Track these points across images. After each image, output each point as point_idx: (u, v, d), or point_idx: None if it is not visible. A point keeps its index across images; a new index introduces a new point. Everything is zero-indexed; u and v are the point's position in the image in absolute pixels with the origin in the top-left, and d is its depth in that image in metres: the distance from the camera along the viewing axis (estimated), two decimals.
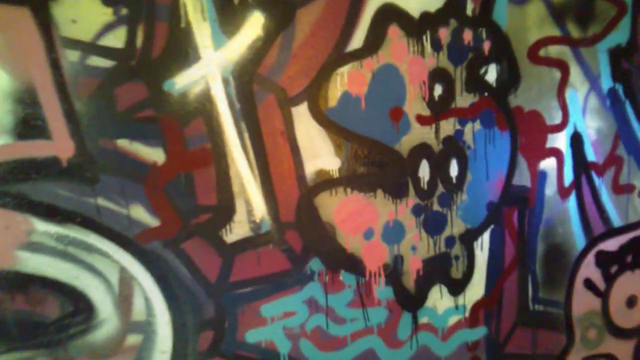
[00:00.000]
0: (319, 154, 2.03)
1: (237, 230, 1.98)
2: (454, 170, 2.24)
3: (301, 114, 1.97)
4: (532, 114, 2.30)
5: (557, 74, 2.30)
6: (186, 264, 1.91)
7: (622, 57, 2.37)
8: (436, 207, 2.25)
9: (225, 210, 1.94)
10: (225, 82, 1.85)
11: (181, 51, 1.77)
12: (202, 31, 1.79)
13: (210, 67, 1.81)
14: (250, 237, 2.00)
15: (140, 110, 1.76)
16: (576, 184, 2.45)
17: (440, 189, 2.24)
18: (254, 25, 1.85)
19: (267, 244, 2.03)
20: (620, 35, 2.36)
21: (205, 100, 1.83)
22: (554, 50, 2.27)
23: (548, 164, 2.38)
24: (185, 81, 1.80)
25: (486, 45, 2.16)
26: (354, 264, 2.16)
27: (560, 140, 2.37)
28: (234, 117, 1.89)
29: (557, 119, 2.35)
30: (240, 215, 1.97)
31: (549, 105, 2.32)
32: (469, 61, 2.15)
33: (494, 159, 2.28)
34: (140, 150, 1.78)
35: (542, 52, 2.25)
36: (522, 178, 2.36)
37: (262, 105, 1.92)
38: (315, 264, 2.10)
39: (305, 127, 1.99)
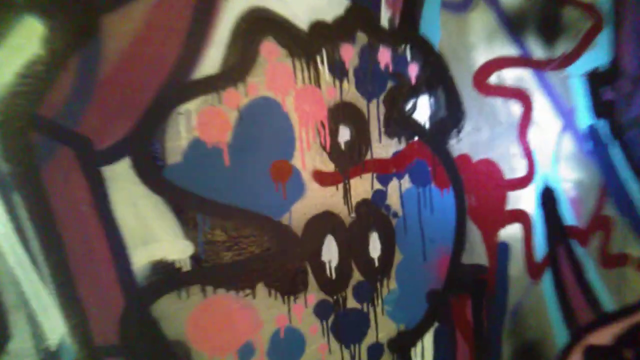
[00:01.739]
0: (156, 236, 1.31)
1: None
2: (375, 248, 1.54)
3: (120, 175, 1.26)
4: (484, 164, 1.64)
5: (515, 109, 1.66)
6: None
7: (602, 84, 1.75)
8: (351, 303, 1.53)
9: None
10: None
11: None
12: None
13: None
14: None
15: None
16: (551, 258, 1.77)
17: (357, 276, 1.53)
18: (28, 38, 1.15)
19: None
20: (598, 55, 1.74)
21: None
22: (509, 76, 1.64)
23: (511, 233, 1.71)
24: None
25: (412, 70, 1.50)
26: None
27: (526, 200, 1.71)
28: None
29: (520, 170, 1.69)
30: (20, 341, 1.22)
31: (507, 152, 1.66)
32: (388, 92, 1.49)
33: (432, 229, 1.60)
34: None
35: (493, 79, 1.61)
36: (475, 254, 1.67)
37: (49, 165, 1.20)
38: None
39: (129, 195, 1.27)
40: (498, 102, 1.62)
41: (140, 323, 1.31)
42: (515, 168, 1.68)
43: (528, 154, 1.68)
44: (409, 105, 1.51)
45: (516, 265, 1.73)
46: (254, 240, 1.40)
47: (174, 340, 1.35)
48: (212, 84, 1.30)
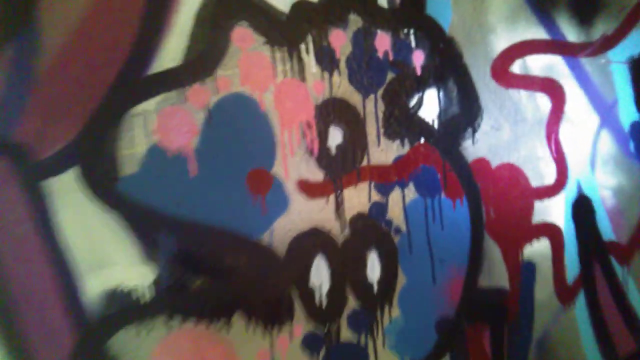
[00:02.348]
0: (111, 259, 1.11)
1: None
2: (373, 270, 1.31)
3: (66, 189, 1.06)
4: (506, 169, 1.39)
5: (544, 103, 1.40)
6: None
7: None
8: (346, 334, 1.31)
9: None
10: None
11: None
12: None
13: None
14: None
15: None
16: (585, 279, 1.51)
17: (353, 303, 1.31)
18: None
19: None
20: None
21: None
22: (537, 64, 1.37)
23: (537, 250, 1.45)
24: None
25: (417, 58, 1.26)
26: None
27: (556, 211, 1.45)
28: None
29: (549, 176, 1.43)
30: None
31: (533, 155, 1.40)
32: (388, 86, 1.25)
33: (443, 247, 1.36)
34: None
35: (516, 68, 1.35)
36: (495, 276, 1.43)
37: None
38: None
39: (78, 212, 1.07)
40: (522, 95, 1.36)
41: None
42: (543, 173, 1.42)
43: (559, 157, 1.42)
44: (413, 101, 1.27)
45: (543, 288, 1.47)
46: (228, 264, 1.19)
47: None
48: (173, 80, 1.09)
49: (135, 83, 1.07)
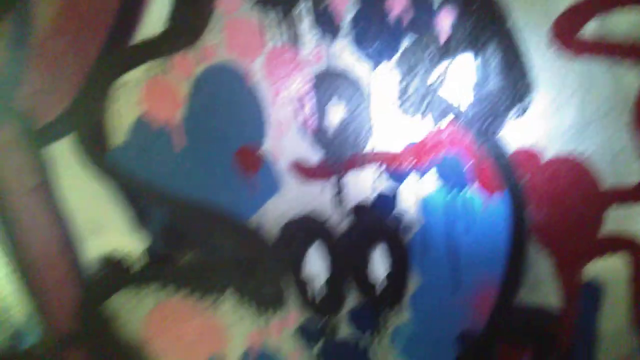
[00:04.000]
0: (106, 226, 1.15)
1: None
2: (378, 268, 1.14)
3: (64, 156, 1.11)
4: (565, 163, 1.06)
5: (631, 76, 1.01)
6: None
7: None
8: (345, 331, 1.19)
9: None
10: None
11: None
12: None
13: None
14: (9, 350, 1.24)
15: None
16: None
17: (354, 299, 1.17)
18: None
19: None
20: None
21: None
22: (620, 22, 0.98)
23: (607, 268, 1.11)
24: None
25: (442, 21, 0.99)
26: None
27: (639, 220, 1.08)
28: None
29: (633, 174, 1.05)
30: None
31: (609, 145, 1.04)
32: (403, 55, 1.02)
33: (469, 250, 1.12)
34: None
35: (590, 29, 0.98)
36: (541, 293, 1.13)
37: None
38: None
39: (74, 179, 1.12)
40: (597, 66, 0.99)
41: (95, 317, 1.21)
42: (623, 171, 1.05)
43: None
44: (435, 73, 1.02)
45: (612, 317, 1.13)
46: (217, 241, 1.15)
47: (132, 341, 1.22)
48: (156, 48, 1.04)
49: (120, 53, 1.05)
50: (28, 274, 1.18)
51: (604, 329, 1.14)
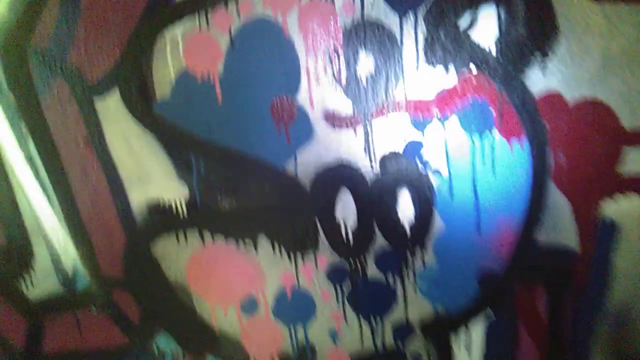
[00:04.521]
0: (151, 175, 1.23)
1: (41, 283, 1.34)
2: (405, 212, 1.22)
3: (112, 109, 1.19)
4: (588, 107, 1.11)
5: None
6: None
7: None
8: (373, 272, 1.27)
9: (17, 253, 1.31)
10: None
11: None
12: None
13: None
14: (62, 294, 1.34)
15: None
16: None
17: (381, 242, 1.25)
18: None
19: (87, 305, 1.35)
20: None
21: None
22: None
23: (623, 209, 1.17)
24: None
25: None
26: (227, 348, 1.36)
27: None
28: (7, 114, 1.20)
29: None
30: (41, 261, 1.32)
31: (629, 88, 1.09)
32: (433, 3, 1.07)
33: (493, 194, 1.18)
34: None
35: None
36: (560, 233, 1.20)
37: (49, 96, 1.19)
38: (164, 342, 1.36)
39: (121, 131, 1.20)
40: (621, 10, 1.03)
41: (141, 260, 1.30)
42: None
43: None
44: (464, 21, 1.07)
45: (627, 254, 1.20)
46: (254, 189, 1.23)
47: (175, 282, 1.31)
48: (196, 4, 1.10)
49: (163, 9, 1.11)
50: (78, 221, 1.27)
51: (618, 266, 1.22)
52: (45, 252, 1.31)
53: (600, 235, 1.20)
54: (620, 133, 1.12)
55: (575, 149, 1.14)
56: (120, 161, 1.22)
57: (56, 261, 1.32)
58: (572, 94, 1.10)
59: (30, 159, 1.23)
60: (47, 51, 1.15)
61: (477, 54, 1.09)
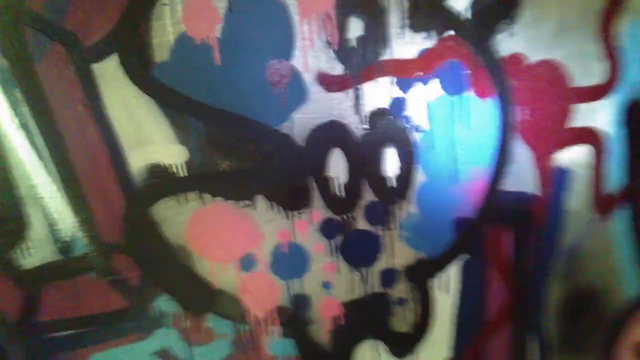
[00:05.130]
0: (150, 138, 1.27)
1: (37, 252, 1.34)
2: (391, 166, 1.34)
3: (110, 74, 1.21)
4: (545, 67, 1.28)
5: None
6: None
7: None
8: (362, 224, 1.39)
9: (11, 223, 1.30)
10: None
11: None
12: None
13: None
14: (60, 261, 1.35)
15: None
16: (629, 192, 1.40)
17: (369, 196, 1.37)
18: None
19: (86, 271, 1.37)
20: None
21: None
22: None
23: (574, 158, 1.37)
24: None
25: None
26: (227, 305, 1.43)
27: (602, 116, 1.33)
28: (1, 79, 1.19)
29: (596, 74, 1.30)
30: (37, 230, 1.32)
31: (580, 50, 1.27)
32: None
33: (467, 147, 1.34)
34: None
35: None
36: (523, 181, 1.38)
37: (44, 61, 1.19)
38: (165, 304, 1.41)
39: (121, 95, 1.23)
40: None
41: (141, 224, 1.34)
42: (591, 72, 1.29)
43: (611, 53, 1.27)
44: None
45: (577, 197, 1.40)
46: (251, 150, 1.30)
47: (175, 243, 1.36)
48: None
49: None
50: (76, 187, 1.28)
51: (571, 207, 1.41)
52: (42, 220, 1.31)
53: (556, 181, 1.39)
54: (570, 91, 1.31)
55: (536, 105, 1.31)
56: (119, 125, 1.25)
57: (54, 228, 1.32)
58: (532, 55, 1.27)
59: (24, 126, 1.23)
60: (42, 14, 1.15)
61: (452, 19, 1.23)
